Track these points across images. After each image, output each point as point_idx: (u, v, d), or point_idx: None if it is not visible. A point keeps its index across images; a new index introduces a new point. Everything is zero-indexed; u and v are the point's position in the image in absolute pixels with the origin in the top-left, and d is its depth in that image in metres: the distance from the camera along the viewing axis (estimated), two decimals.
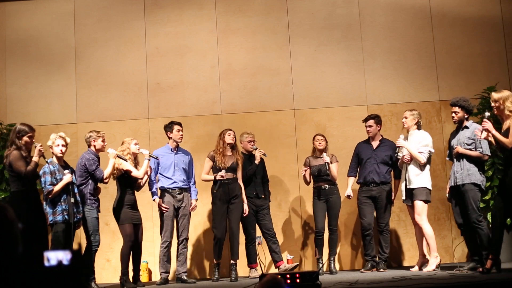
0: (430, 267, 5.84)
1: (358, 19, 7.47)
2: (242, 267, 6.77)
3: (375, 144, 6.39)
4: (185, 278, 6.08)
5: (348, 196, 6.33)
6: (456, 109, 5.57)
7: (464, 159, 5.44)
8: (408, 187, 5.98)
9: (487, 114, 5.27)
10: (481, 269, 5.07)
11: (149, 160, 6.03)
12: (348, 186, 6.37)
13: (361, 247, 6.74)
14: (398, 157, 6.03)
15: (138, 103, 7.43)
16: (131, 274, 5.96)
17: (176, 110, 7.35)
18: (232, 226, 6.21)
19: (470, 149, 5.45)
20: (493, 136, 5.07)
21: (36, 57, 7.58)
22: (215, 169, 6.26)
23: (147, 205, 6.93)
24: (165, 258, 6.06)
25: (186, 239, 6.17)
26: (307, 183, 6.55)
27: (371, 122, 6.39)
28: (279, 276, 4.21)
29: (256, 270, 6.40)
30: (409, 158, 5.98)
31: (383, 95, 7.35)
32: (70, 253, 1.94)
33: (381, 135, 6.46)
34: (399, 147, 6.04)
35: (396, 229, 7.09)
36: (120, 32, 7.58)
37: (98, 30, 7.59)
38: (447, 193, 5.78)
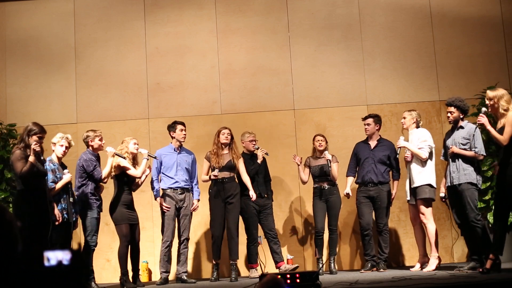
0: (430, 267, 5.84)
1: (358, 19, 7.47)
2: (242, 267, 6.78)
3: (373, 144, 6.40)
4: (185, 278, 6.08)
5: (347, 194, 6.32)
6: (452, 109, 5.58)
7: (460, 159, 5.45)
8: (412, 186, 5.99)
9: (483, 109, 5.28)
10: (481, 269, 5.07)
11: (147, 159, 6.03)
12: (347, 186, 6.37)
13: (360, 247, 6.74)
14: (398, 157, 6.05)
15: (138, 103, 7.44)
16: (130, 274, 5.96)
17: (176, 110, 7.35)
18: (230, 226, 6.21)
19: (465, 149, 5.45)
20: (488, 131, 5.12)
21: (36, 57, 7.58)
22: (212, 169, 6.27)
23: (147, 205, 6.94)
24: (166, 258, 6.06)
25: (187, 239, 6.16)
26: (304, 182, 6.55)
27: (369, 120, 6.40)
28: (279, 276, 4.21)
29: (256, 270, 6.40)
30: (410, 156, 6.01)
31: (383, 95, 7.35)
32: (70, 253, 1.94)
33: (380, 135, 6.47)
34: (400, 147, 6.05)
35: (396, 229, 7.10)
36: (120, 32, 7.58)
37: (98, 30, 7.59)
38: (441, 193, 5.79)
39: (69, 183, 5.55)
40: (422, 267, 6.03)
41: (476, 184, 5.40)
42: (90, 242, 5.69)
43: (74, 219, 5.58)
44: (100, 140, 5.91)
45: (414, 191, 5.99)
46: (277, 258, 6.33)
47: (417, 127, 6.13)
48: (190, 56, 7.52)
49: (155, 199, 6.26)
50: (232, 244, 6.21)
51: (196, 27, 7.57)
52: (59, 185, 5.46)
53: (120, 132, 7.15)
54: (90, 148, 5.89)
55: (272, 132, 7.26)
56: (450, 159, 5.52)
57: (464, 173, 5.40)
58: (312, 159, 6.53)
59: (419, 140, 6.01)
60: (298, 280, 4.33)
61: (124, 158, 5.91)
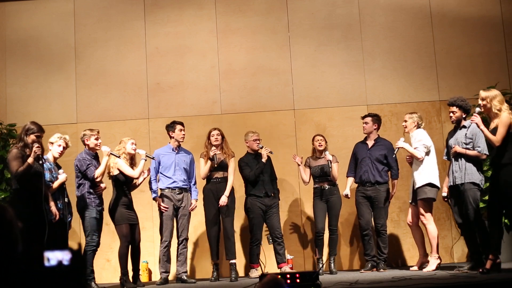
0: (430, 267, 5.84)
1: (358, 19, 7.47)
2: (242, 267, 6.78)
3: (370, 143, 6.41)
4: (185, 278, 6.08)
5: (346, 196, 6.33)
6: (454, 108, 5.58)
7: (463, 159, 5.44)
8: (414, 188, 6.00)
9: (477, 109, 5.28)
10: (481, 269, 5.07)
11: (145, 160, 6.02)
12: (346, 186, 6.37)
13: (360, 247, 6.74)
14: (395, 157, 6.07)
15: (138, 103, 7.44)
16: (130, 274, 5.96)
17: (176, 110, 7.35)
18: (226, 226, 6.21)
19: (468, 149, 5.45)
20: (482, 131, 5.13)
21: (36, 57, 7.58)
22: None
23: (147, 205, 6.93)
24: (165, 258, 6.06)
25: (186, 239, 6.17)
26: (305, 183, 6.55)
27: (368, 119, 6.42)
28: (279, 276, 4.21)
29: (256, 270, 6.39)
30: (409, 158, 6.06)
31: (383, 95, 7.35)
32: (69, 253, 1.94)
33: (378, 135, 6.47)
34: (398, 148, 6.07)
35: (396, 229, 7.09)
36: (120, 32, 7.58)
37: (98, 30, 7.59)
38: (444, 192, 5.80)
39: (64, 183, 5.55)
40: (422, 267, 6.03)
41: (478, 184, 5.40)
42: (90, 242, 5.69)
43: (69, 219, 5.58)
44: (96, 139, 5.88)
45: (415, 192, 6.00)
46: (279, 259, 6.32)
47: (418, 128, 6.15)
48: (190, 56, 7.52)
49: (153, 199, 6.26)
50: (229, 244, 6.21)
51: (196, 27, 7.58)
52: (55, 184, 5.46)
53: (120, 132, 7.15)
54: (86, 147, 5.89)
55: (272, 132, 7.26)
56: (453, 159, 5.52)
57: (468, 173, 5.39)
58: (312, 160, 6.52)
59: (415, 140, 6.03)
60: (298, 280, 4.33)
61: (119, 157, 5.90)
